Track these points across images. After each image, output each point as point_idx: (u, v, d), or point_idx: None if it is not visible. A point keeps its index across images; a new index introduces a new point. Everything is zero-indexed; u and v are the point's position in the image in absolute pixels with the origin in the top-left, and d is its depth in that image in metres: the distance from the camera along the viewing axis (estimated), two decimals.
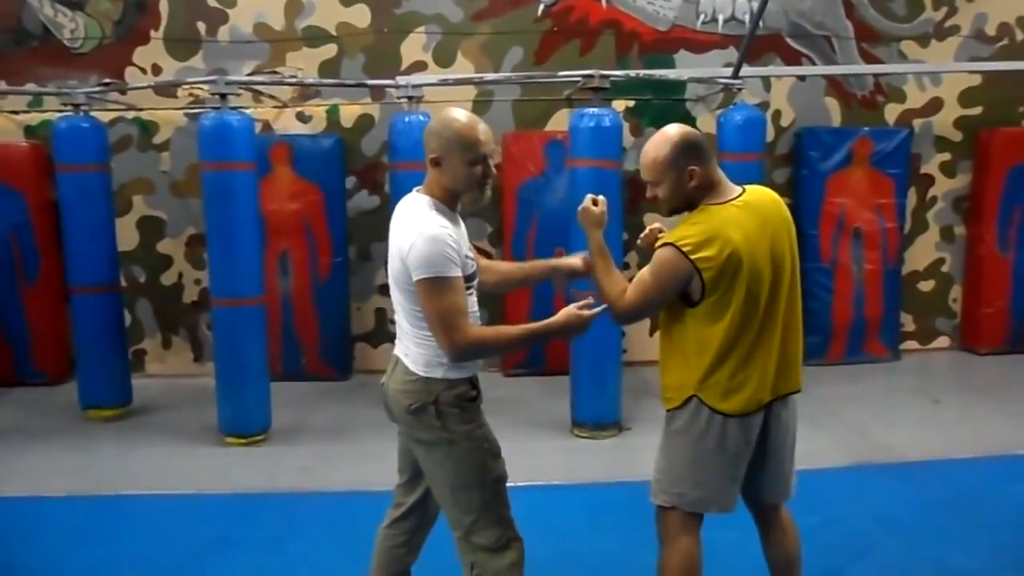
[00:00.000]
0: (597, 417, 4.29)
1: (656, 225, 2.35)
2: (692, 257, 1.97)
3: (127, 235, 5.35)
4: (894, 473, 3.75)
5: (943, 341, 5.98)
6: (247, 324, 4.12)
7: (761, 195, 2.18)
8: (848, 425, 4.44)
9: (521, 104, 5.37)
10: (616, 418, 4.31)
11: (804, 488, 3.64)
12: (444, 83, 4.58)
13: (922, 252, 5.86)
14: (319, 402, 4.98)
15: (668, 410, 2.19)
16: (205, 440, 4.27)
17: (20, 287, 5.18)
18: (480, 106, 5.38)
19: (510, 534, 2.15)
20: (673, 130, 2.10)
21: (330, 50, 5.28)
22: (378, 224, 4.66)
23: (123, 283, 5.34)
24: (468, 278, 2.05)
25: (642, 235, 2.36)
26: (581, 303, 2.08)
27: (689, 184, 2.07)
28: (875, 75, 5.58)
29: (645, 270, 2.10)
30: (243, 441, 4.18)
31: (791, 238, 2.16)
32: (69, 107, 4.39)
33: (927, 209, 5.83)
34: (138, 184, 5.33)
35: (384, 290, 4.75)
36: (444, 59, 5.32)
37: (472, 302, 2.11)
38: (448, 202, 2.06)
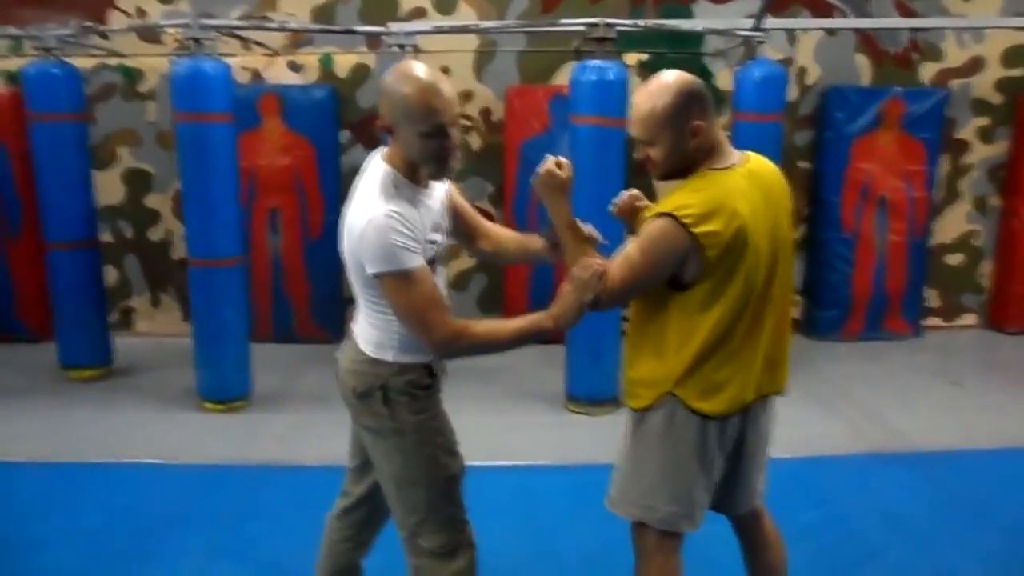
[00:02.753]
0: (593, 392, 4.06)
1: (633, 191, 2.05)
2: (694, 231, 1.68)
3: (113, 189, 5.15)
4: (907, 464, 3.49)
5: (969, 319, 5.63)
6: (225, 286, 3.92)
7: (763, 165, 1.89)
8: (861, 408, 4.16)
9: (526, 56, 5.03)
10: (613, 393, 4.06)
11: (806, 478, 3.43)
12: (439, 31, 4.26)
13: (952, 224, 5.49)
14: (307, 366, 4.80)
15: (635, 409, 1.92)
16: (183, 405, 4.10)
17: (2, 240, 5.00)
18: (482, 57, 5.06)
19: (460, 539, 1.93)
20: (671, 76, 1.78)
21: None
22: None
23: (110, 239, 5.20)
24: (431, 261, 1.81)
25: (615, 201, 2.05)
26: (573, 280, 1.79)
27: (690, 143, 1.76)
28: (911, 30, 5.15)
29: (631, 246, 1.80)
30: (221, 407, 4.01)
31: (790, 219, 1.88)
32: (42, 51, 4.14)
33: (960, 177, 5.43)
34: (123, 135, 5.10)
35: None
36: (445, 6, 4.98)
37: (438, 285, 1.86)
38: (409, 173, 1.80)
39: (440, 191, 1.95)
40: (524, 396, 4.30)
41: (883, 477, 3.38)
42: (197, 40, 3.69)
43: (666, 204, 1.76)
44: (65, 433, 3.79)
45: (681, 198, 1.74)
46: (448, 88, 1.72)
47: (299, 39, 5.00)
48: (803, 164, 5.31)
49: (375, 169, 1.81)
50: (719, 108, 5.12)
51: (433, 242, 1.82)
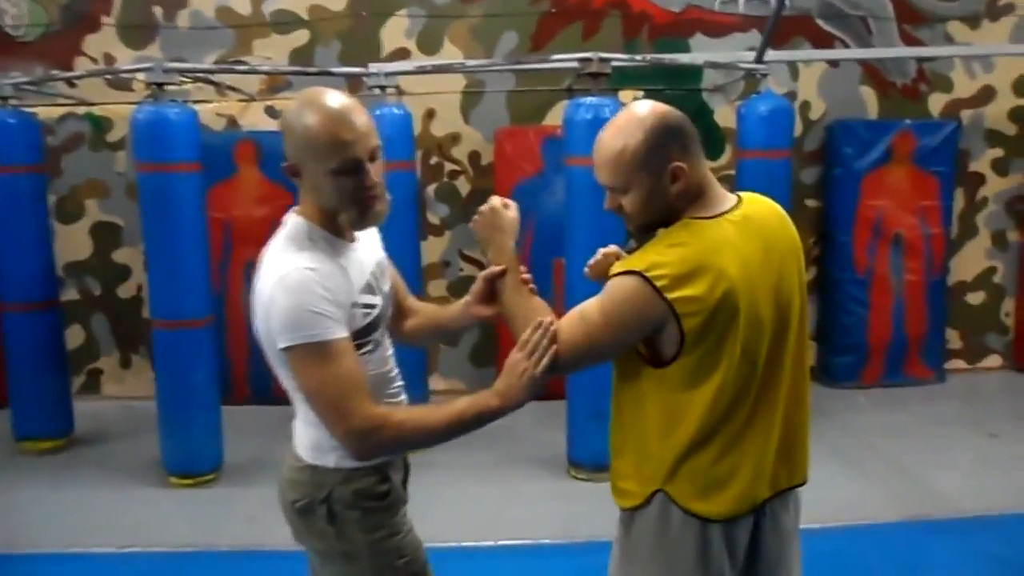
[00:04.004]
0: (597, 456, 3.67)
1: (611, 248, 1.72)
2: (669, 296, 1.37)
3: (79, 243, 4.84)
4: (952, 531, 3.13)
5: (994, 360, 5.31)
6: (193, 349, 3.58)
7: (762, 207, 1.56)
8: (892, 465, 3.81)
9: (516, 96, 4.79)
10: None
11: (839, 552, 3.03)
12: (421, 71, 4.01)
13: (971, 260, 5.20)
14: (285, 430, 4.33)
15: (623, 509, 1.57)
16: (147, 480, 3.72)
17: None
18: (470, 98, 4.81)
19: None
20: (644, 108, 1.47)
21: (302, 36, 4.72)
22: None
23: (76, 296, 4.88)
24: (364, 330, 1.48)
25: (591, 262, 1.72)
26: (518, 353, 1.46)
27: (671, 189, 1.45)
28: (918, 60, 4.93)
29: (591, 303, 1.47)
30: (189, 482, 3.63)
31: (800, 270, 1.54)
32: None
33: (977, 212, 5.16)
34: (91, 187, 4.81)
35: None
36: (429, 46, 4.74)
37: (376, 361, 1.54)
38: (326, 223, 1.48)
39: (374, 245, 1.63)
40: (522, 461, 3.94)
41: (928, 548, 3.03)
42: (160, 85, 3.41)
43: (637, 260, 1.43)
44: (11, 517, 3.40)
45: (655, 254, 1.42)
46: (361, 116, 1.43)
47: (276, 83, 4.75)
48: (811, 202, 5.04)
49: (285, 228, 1.50)
50: (719, 147, 4.90)
51: (368, 306, 1.50)
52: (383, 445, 1.46)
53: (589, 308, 1.47)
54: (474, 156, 4.90)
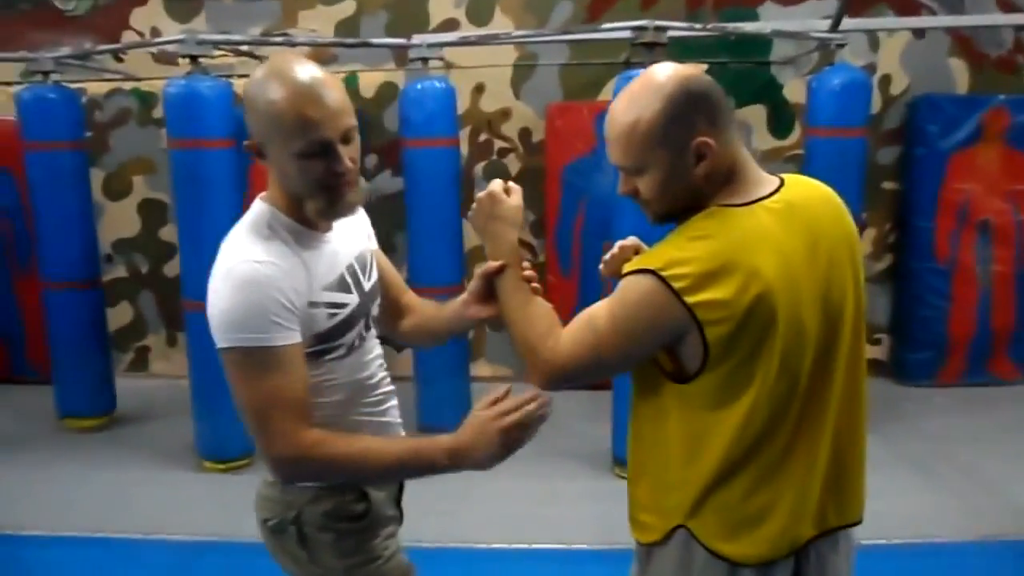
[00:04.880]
0: None
1: (630, 240, 1.50)
2: (689, 300, 1.15)
3: (128, 220, 4.83)
4: None
5: None
6: None
7: (809, 191, 1.30)
8: (969, 475, 3.46)
9: (570, 69, 4.53)
10: None
11: (904, 574, 2.81)
12: (465, 42, 3.79)
13: None
14: None
15: (641, 544, 1.36)
16: (181, 463, 3.68)
17: (12, 276, 4.73)
18: (521, 72, 4.58)
19: None
20: (664, 72, 1.23)
21: (348, 7, 4.57)
22: (402, 210, 3.97)
23: (124, 274, 4.89)
24: (330, 333, 1.30)
25: (606, 256, 1.51)
26: (495, 398, 1.27)
27: (695, 170, 1.22)
28: (1015, 28, 4.44)
29: (600, 306, 1.26)
30: (221, 467, 3.57)
31: (857, 267, 1.28)
32: (39, 74, 3.81)
33: None
34: (138, 163, 4.78)
35: (408, 286, 4.07)
36: (479, 16, 4.51)
37: (348, 367, 1.36)
38: (293, 211, 1.30)
39: (358, 236, 1.45)
40: (564, 456, 3.74)
41: (1008, 572, 2.70)
42: (194, 58, 3.30)
43: (653, 256, 1.21)
44: (43, 497, 3.39)
45: (674, 249, 1.19)
46: (333, 91, 1.23)
47: (322, 57, 4.60)
48: (888, 185, 4.64)
49: (248, 214, 1.33)
50: (788, 125, 4.54)
51: (335, 306, 1.32)
52: (307, 476, 1.31)
53: (597, 311, 1.26)
54: (525, 133, 4.67)
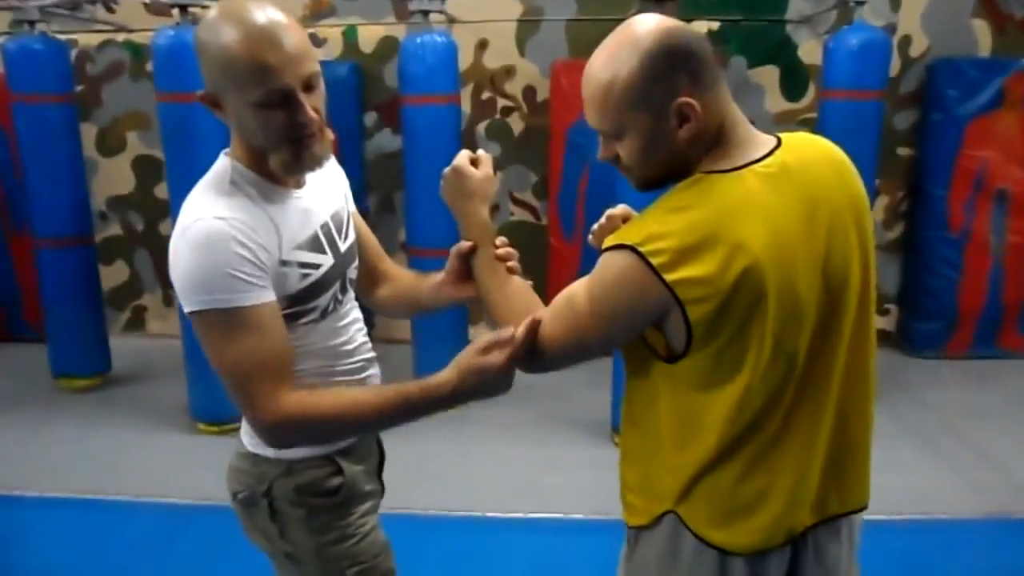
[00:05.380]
0: None
1: (619, 209, 1.39)
2: (668, 278, 1.06)
3: (122, 177, 4.73)
4: None
5: None
6: None
7: (810, 152, 1.19)
8: (974, 450, 3.40)
9: (577, 25, 4.37)
10: None
11: (907, 551, 2.71)
12: None
13: None
14: None
15: (630, 527, 1.30)
16: (175, 425, 3.64)
17: (6, 233, 4.65)
18: (526, 27, 4.42)
19: None
20: (643, 26, 1.11)
21: None
22: (402, 169, 3.87)
23: (120, 232, 4.80)
24: (303, 295, 1.22)
25: (594, 227, 1.41)
26: (489, 340, 1.18)
27: (678, 133, 1.11)
28: None
29: (580, 285, 1.18)
30: (215, 429, 3.52)
31: (864, 233, 1.18)
32: (26, 24, 3.68)
33: None
34: (132, 118, 4.65)
35: (406, 248, 3.97)
36: None
37: (324, 332, 1.29)
38: (257, 165, 1.21)
39: (333, 193, 1.36)
40: (563, 423, 3.69)
41: (1014, 550, 2.65)
42: (183, 7, 3.16)
43: (631, 230, 1.12)
44: (39, 457, 3.36)
45: (653, 222, 1.10)
46: (293, 33, 1.13)
47: (320, 9, 4.45)
48: (903, 151, 4.50)
49: (214, 166, 1.25)
50: (802, 87, 4.38)
51: (308, 266, 1.24)
52: (298, 438, 1.23)
53: (576, 291, 1.18)
54: (529, 91, 4.53)
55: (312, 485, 1.30)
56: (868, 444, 1.26)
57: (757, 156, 1.13)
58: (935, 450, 3.39)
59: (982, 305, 4.45)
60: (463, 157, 1.33)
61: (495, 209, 4.66)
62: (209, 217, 1.14)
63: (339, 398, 1.21)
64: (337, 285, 1.32)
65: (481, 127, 4.57)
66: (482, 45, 4.46)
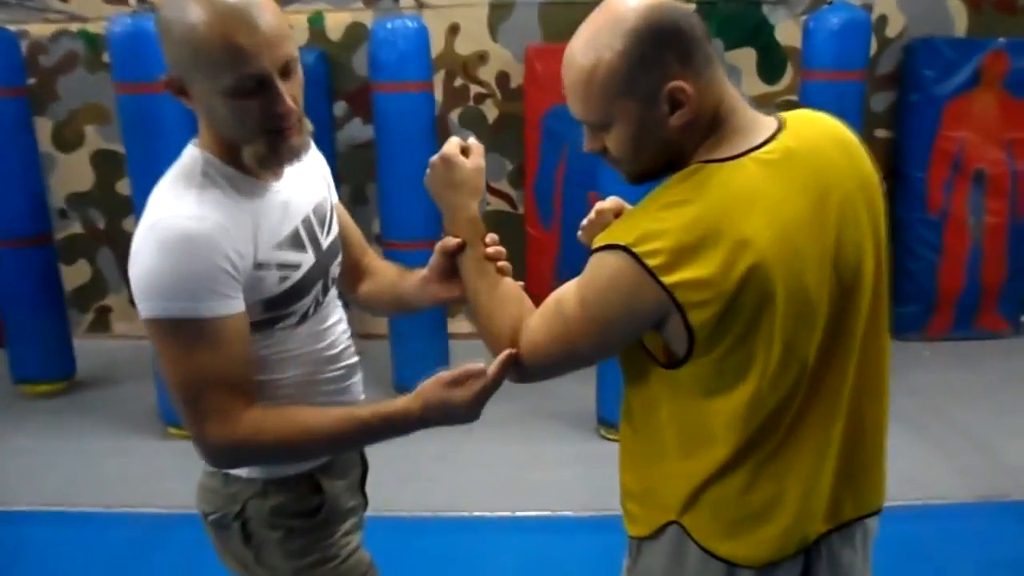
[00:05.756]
0: None
1: (610, 202, 1.31)
2: (666, 280, 0.98)
3: (81, 173, 4.53)
4: None
5: None
6: None
7: (815, 131, 1.11)
8: (963, 433, 3.38)
9: (550, 8, 4.27)
10: None
11: (896, 538, 2.66)
12: None
13: None
14: None
15: (632, 537, 1.23)
16: (146, 430, 3.50)
17: None
18: (498, 12, 4.31)
19: None
20: (627, 3, 1.02)
21: None
22: (374, 160, 3.74)
23: (80, 230, 4.62)
24: (282, 299, 1.13)
25: (584, 222, 1.33)
26: (458, 373, 1.11)
27: (669, 120, 1.02)
28: None
29: (570, 289, 1.10)
30: (186, 433, 3.37)
31: (877, 218, 1.10)
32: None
33: None
34: (90, 111, 4.45)
35: (380, 240, 3.86)
36: None
37: (303, 337, 1.20)
38: (230, 157, 1.11)
39: (315, 184, 1.26)
40: (547, 417, 3.61)
41: (1004, 534, 2.63)
42: None
43: (623, 228, 1.04)
44: (1, 468, 3.21)
45: (647, 218, 1.02)
46: (267, 12, 1.03)
47: None
48: (881, 133, 4.47)
49: (182, 158, 1.15)
50: (779, 69, 4.33)
51: (287, 266, 1.14)
52: (244, 462, 1.15)
53: (566, 294, 1.09)
54: (502, 77, 4.42)
55: (289, 505, 1.21)
56: (883, 443, 1.21)
57: (758, 142, 1.05)
58: (922, 434, 3.37)
59: (961, 286, 4.45)
60: (453, 145, 1.23)
61: None
62: (178, 215, 1.04)
63: (293, 422, 1.12)
64: (319, 285, 1.22)
65: (454, 115, 4.45)
66: (453, 30, 4.34)
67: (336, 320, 1.30)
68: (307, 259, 1.18)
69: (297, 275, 1.16)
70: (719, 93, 1.05)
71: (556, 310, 1.10)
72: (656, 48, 0.99)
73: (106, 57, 4.33)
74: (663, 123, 1.03)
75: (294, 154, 1.10)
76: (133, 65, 3.00)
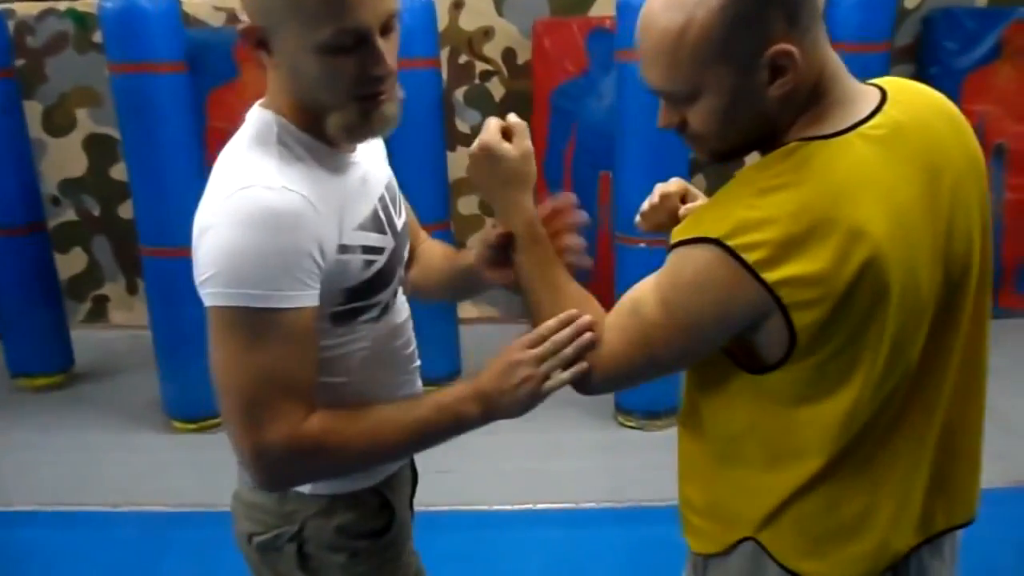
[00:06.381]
0: (648, 402, 3.25)
1: (673, 184, 1.18)
2: (769, 278, 0.85)
3: (73, 158, 4.37)
4: None
5: None
6: (188, 279, 3.12)
7: (920, 104, 0.98)
8: (991, 416, 3.23)
9: None
10: (674, 401, 3.24)
11: None
12: None
13: None
14: None
15: (697, 554, 1.11)
16: (149, 423, 3.38)
17: None
18: None
19: None
20: None
21: None
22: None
23: (75, 217, 4.47)
24: (365, 288, 1.00)
25: (644, 207, 1.20)
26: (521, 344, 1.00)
27: (769, 91, 0.89)
28: None
29: (646, 289, 0.97)
30: (193, 427, 3.28)
31: (984, 204, 0.99)
32: None
33: None
34: (81, 94, 4.30)
35: None
36: None
37: (379, 335, 1.07)
38: (307, 122, 0.97)
39: (380, 159, 1.14)
40: (566, 404, 3.37)
41: None
42: None
43: (712, 217, 0.91)
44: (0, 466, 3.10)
45: (742, 207, 0.89)
46: None
47: None
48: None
49: (250, 122, 1.00)
50: None
51: (372, 251, 1.01)
52: (298, 477, 1.01)
53: (644, 295, 0.96)
54: (509, 53, 4.27)
55: (357, 524, 1.09)
56: (979, 447, 1.10)
57: (863, 115, 0.92)
58: None
59: None
60: (493, 130, 1.05)
61: None
62: (259, 185, 0.90)
63: (359, 421, 0.98)
64: (399, 273, 1.10)
65: (459, 93, 4.31)
66: (457, 5, 4.19)
67: (408, 315, 1.18)
68: (388, 242, 1.06)
69: (382, 260, 1.03)
70: (823, 57, 0.92)
71: (632, 315, 0.98)
72: (760, 4, 0.85)
73: (97, 37, 4.19)
74: (760, 93, 0.89)
75: (387, 123, 0.97)
76: (127, 44, 2.86)
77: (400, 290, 1.15)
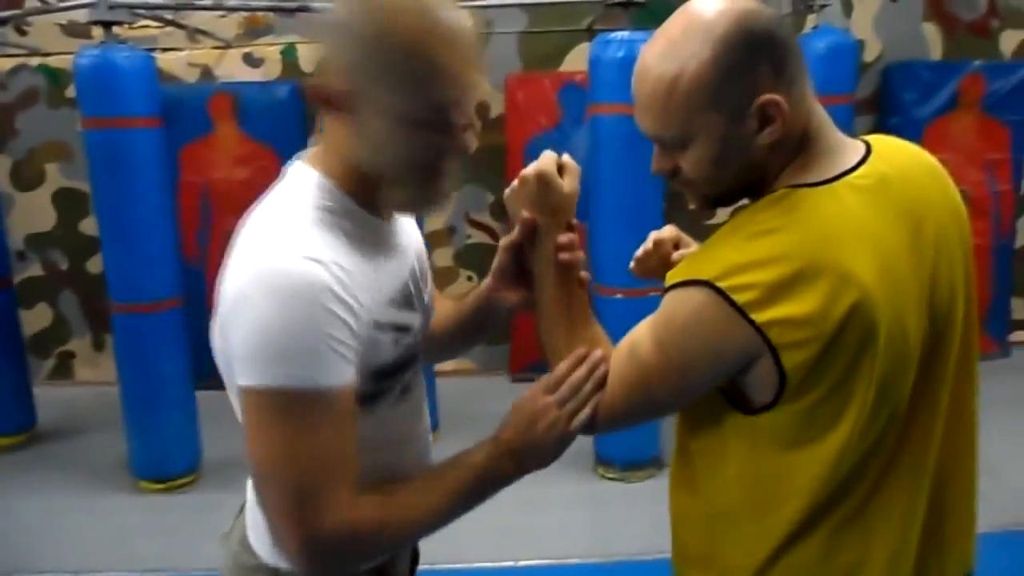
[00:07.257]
0: (628, 453, 3.21)
1: (666, 232, 1.20)
2: (757, 318, 0.87)
3: (42, 213, 4.33)
4: None
5: None
6: (158, 335, 3.08)
7: (904, 158, 1.01)
8: None
9: (529, 37, 4.21)
10: (654, 451, 3.23)
11: None
12: None
13: None
14: None
15: None
16: (114, 484, 3.27)
17: None
18: None
19: None
20: (713, 7, 0.91)
21: None
22: None
23: (41, 272, 4.39)
24: (393, 368, 0.96)
25: (638, 253, 1.22)
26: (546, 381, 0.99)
27: (758, 139, 0.92)
28: None
29: (643, 331, 0.98)
30: (160, 487, 3.17)
31: (968, 254, 1.01)
32: None
33: None
34: (51, 149, 4.27)
35: None
36: None
37: (402, 416, 1.04)
38: (357, 190, 0.94)
39: (411, 227, 1.10)
40: None
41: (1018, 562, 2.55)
42: (107, 26, 2.86)
43: (705, 260, 0.93)
44: None
45: (733, 250, 0.91)
46: (478, 45, 0.90)
47: (256, 26, 4.18)
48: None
49: (286, 185, 0.95)
50: None
51: (401, 329, 0.97)
52: (353, 560, 0.95)
53: (640, 337, 0.97)
54: (481, 107, 4.33)
55: None
56: (974, 499, 1.08)
57: (849, 164, 0.94)
58: None
59: None
60: (550, 161, 1.05)
61: (452, 231, 4.44)
62: (298, 256, 0.84)
63: (398, 504, 0.94)
64: (421, 352, 1.06)
65: None
66: None
67: (423, 394, 1.13)
68: (416, 320, 1.01)
69: (409, 338, 0.99)
70: (809, 109, 0.95)
71: (630, 357, 0.98)
72: (749, 57, 0.88)
73: (69, 92, 4.18)
74: (750, 141, 0.91)
75: (443, 198, 0.95)
76: (101, 99, 2.85)
77: (421, 369, 1.11)
